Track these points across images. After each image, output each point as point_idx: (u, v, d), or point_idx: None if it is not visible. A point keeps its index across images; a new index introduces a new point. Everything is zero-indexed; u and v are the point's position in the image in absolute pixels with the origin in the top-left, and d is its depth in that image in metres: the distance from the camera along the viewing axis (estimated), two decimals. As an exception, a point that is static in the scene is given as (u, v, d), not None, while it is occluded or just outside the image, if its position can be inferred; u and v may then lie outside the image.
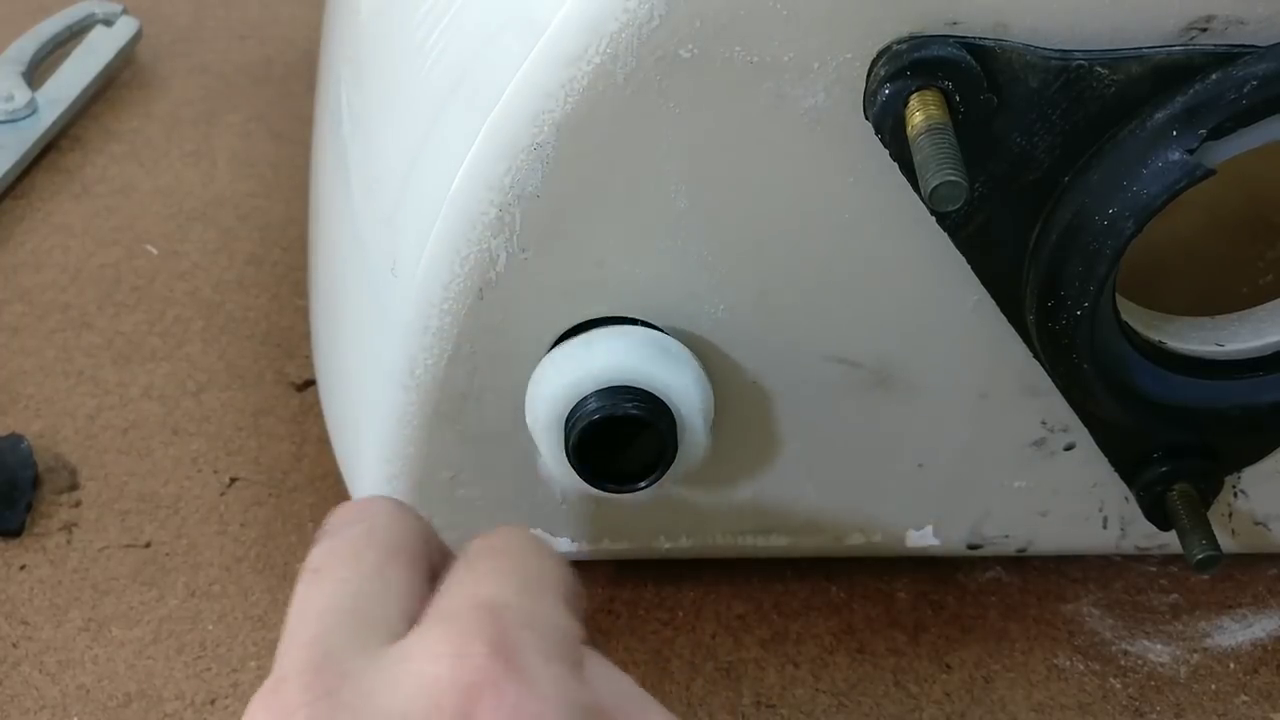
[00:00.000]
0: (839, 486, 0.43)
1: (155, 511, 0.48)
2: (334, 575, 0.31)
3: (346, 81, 0.46)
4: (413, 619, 0.30)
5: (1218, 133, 0.34)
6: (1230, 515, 0.45)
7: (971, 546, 0.45)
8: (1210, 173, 0.34)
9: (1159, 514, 0.43)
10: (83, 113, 0.64)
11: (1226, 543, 0.43)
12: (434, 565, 0.33)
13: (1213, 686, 0.45)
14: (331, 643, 0.29)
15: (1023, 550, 0.46)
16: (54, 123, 0.62)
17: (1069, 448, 0.42)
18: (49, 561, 0.47)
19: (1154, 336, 0.39)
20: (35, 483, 0.48)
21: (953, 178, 0.32)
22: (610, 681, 0.31)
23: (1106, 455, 0.42)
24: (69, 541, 0.47)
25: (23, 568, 0.46)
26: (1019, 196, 0.36)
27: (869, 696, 0.44)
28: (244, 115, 0.65)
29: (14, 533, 0.47)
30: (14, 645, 0.44)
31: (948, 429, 0.42)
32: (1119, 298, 0.38)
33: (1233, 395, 0.39)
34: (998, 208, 0.36)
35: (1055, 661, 0.45)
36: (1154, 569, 0.48)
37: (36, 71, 0.64)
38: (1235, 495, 0.44)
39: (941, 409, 0.41)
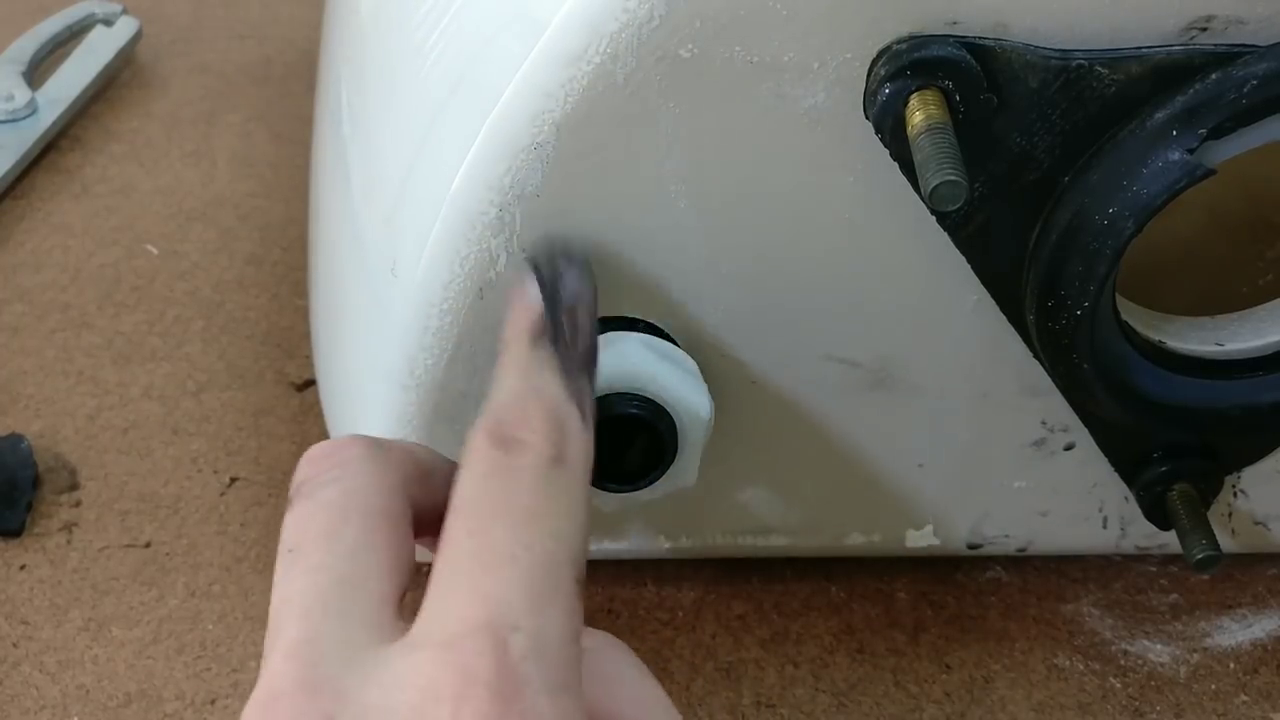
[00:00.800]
0: (839, 486, 0.43)
1: (155, 511, 0.48)
2: (312, 559, 0.30)
3: (346, 81, 0.46)
4: (403, 591, 0.30)
5: (1218, 133, 0.34)
6: (1230, 515, 0.45)
7: (971, 546, 0.45)
8: (1210, 173, 0.34)
9: (1159, 514, 0.42)
10: (83, 113, 0.64)
11: (1226, 543, 0.43)
12: (420, 501, 0.32)
13: (1213, 686, 0.45)
14: (319, 650, 0.28)
15: (1023, 550, 0.46)
16: (54, 123, 0.62)
17: (1069, 448, 0.42)
18: (49, 561, 0.47)
19: (1154, 336, 0.39)
20: (35, 483, 0.48)
21: (953, 178, 0.32)
22: (623, 683, 0.31)
23: (1106, 455, 0.42)
24: (69, 541, 0.47)
25: (23, 568, 0.46)
26: (1019, 196, 0.36)
27: (869, 696, 0.44)
28: (244, 115, 0.65)
29: (14, 533, 0.47)
30: (14, 645, 0.44)
31: (948, 429, 0.42)
32: (1119, 298, 0.38)
33: (1233, 395, 0.39)
34: (998, 208, 0.36)
35: (1055, 661, 0.45)
36: (1154, 569, 0.48)
37: (36, 71, 0.64)
38: (1235, 495, 0.44)
39: (941, 409, 0.41)
